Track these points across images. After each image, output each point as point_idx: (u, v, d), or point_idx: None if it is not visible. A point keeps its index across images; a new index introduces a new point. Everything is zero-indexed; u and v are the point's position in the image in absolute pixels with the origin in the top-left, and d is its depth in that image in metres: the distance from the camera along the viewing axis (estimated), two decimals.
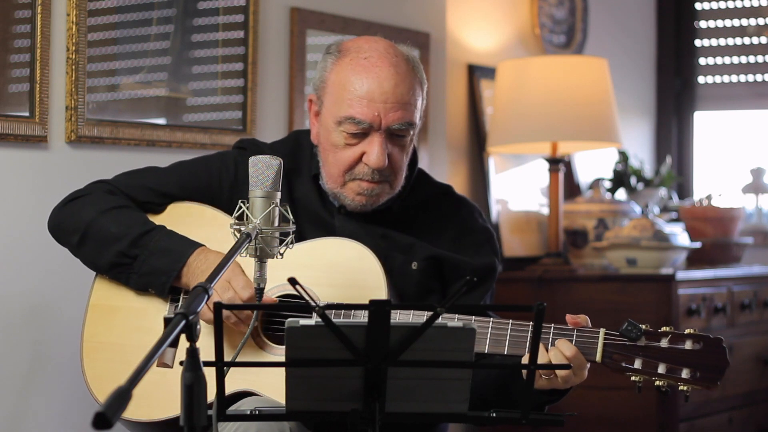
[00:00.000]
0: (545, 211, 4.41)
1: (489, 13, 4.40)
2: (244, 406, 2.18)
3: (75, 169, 2.95)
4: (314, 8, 3.61)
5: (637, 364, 2.12)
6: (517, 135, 4.04)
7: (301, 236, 2.35)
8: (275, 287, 2.29)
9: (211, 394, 1.75)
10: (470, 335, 1.74)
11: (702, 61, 5.27)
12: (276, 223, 2.13)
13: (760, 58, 5.15)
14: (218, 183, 2.48)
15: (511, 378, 2.26)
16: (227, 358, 1.82)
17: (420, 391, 1.78)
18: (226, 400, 1.82)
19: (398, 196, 2.43)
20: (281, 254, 2.14)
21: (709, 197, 4.61)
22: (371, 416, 1.76)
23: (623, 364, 2.13)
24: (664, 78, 5.31)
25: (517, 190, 4.42)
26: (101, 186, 2.47)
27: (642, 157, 5.10)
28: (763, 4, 5.16)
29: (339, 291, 2.28)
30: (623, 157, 4.80)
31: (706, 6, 5.27)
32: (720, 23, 5.24)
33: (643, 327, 2.13)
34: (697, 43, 5.28)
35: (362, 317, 2.16)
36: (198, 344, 1.66)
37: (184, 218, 2.43)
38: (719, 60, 5.25)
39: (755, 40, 5.16)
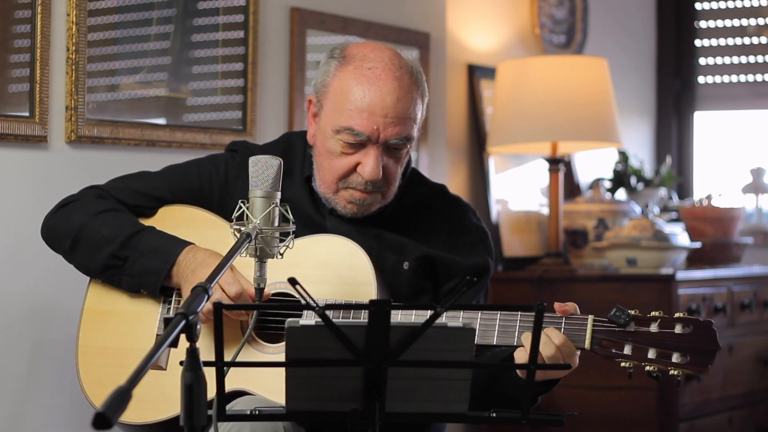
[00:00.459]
0: (545, 211, 4.41)
1: (489, 13, 4.40)
2: (238, 405, 2.18)
3: (75, 169, 2.95)
4: (314, 8, 3.61)
5: (627, 349, 2.11)
6: (517, 135, 4.04)
7: None
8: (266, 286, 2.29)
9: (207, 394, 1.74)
10: (470, 335, 1.74)
11: (702, 61, 5.27)
12: (276, 223, 2.13)
13: (760, 58, 5.15)
14: (209, 186, 2.49)
15: (501, 371, 2.26)
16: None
17: (420, 391, 1.78)
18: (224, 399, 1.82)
19: (392, 197, 2.43)
20: (281, 254, 2.14)
21: (709, 197, 4.61)
22: (371, 416, 1.76)
23: (613, 351, 2.12)
24: (664, 78, 5.31)
25: (517, 190, 4.42)
26: (92, 191, 2.49)
27: (642, 157, 5.10)
28: (763, 4, 5.16)
29: (330, 288, 2.28)
30: (623, 157, 4.80)
31: (706, 6, 5.27)
32: (720, 23, 5.24)
33: (632, 312, 2.12)
34: (697, 43, 5.28)
35: (362, 316, 2.16)
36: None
37: (175, 221, 2.45)
38: (719, 60, 5.25)
39: (755, 40, 5.16)
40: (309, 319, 1.76)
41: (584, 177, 4.77)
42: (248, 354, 2.27)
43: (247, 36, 3.40)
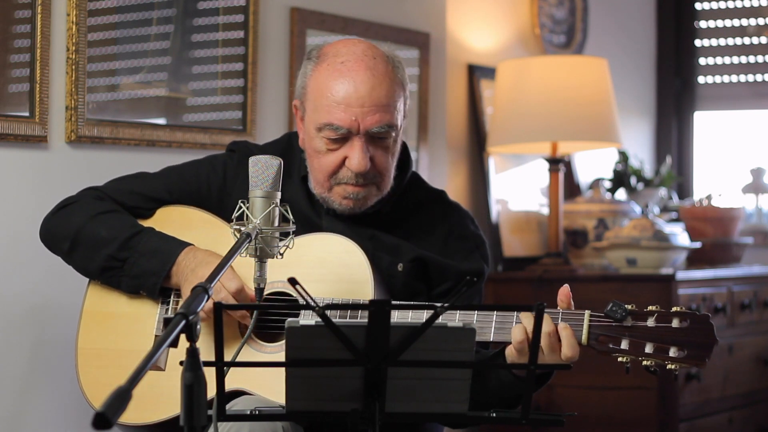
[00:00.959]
0: (545, 211, 4.41)
1: (489, 13, 4.40)
2: (237, 405, 2.18)
3: (75, 169, 2.96)
4: (314, 8, 3.61)
5: (624, 344, 2.10)
6: (517, 135, 4.04)
7: None
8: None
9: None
10: (470, 335, 1.74)
11: (702, 61, 5.27)
12: (276, 223, 2.13)
13: (760, 58, 5.15)
14: (207, 186, 2.49)
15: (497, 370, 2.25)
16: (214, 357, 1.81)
17: (420, 391, 1.78)
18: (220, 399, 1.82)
19: (389, 198, 2.43)
20: (281, 254, 2.14)
21: (709, 197, 4.61)
22: (371, 416, 1.76)
23: (610, 345, 2.11)
24: (664, 78, 5.31)
25: (517, 190, 4.42)
26: (90, 193, 2.49)
27: (642, 157, 5.10)
28: (763, 4, 5.16)
29: (328, 286, 2.28)
30: (623, 157, 4.80)
31: (706, 6, 5.27)
32: (720, 23, 5.24)
33: (629, 307, 2.12)
34: (697, 43, 5.28)
35: (359, 316, 2.16)
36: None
37: (173, 222, 2.45)
38: (719, 60, 5.25)
39: (755, 40, 5.16)
40: (309, 318, 1.76)
41: (584, 177, 4.78)
42: (246, 353, 2.27)
43: (247, 36, 3.40)
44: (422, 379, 1.77)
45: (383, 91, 2.33)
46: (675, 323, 2.10)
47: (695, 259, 4.48)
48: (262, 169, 2.14)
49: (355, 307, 1.98)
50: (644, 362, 2.10)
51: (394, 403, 1.77)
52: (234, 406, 2.18)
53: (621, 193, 4.78)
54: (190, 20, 3.26)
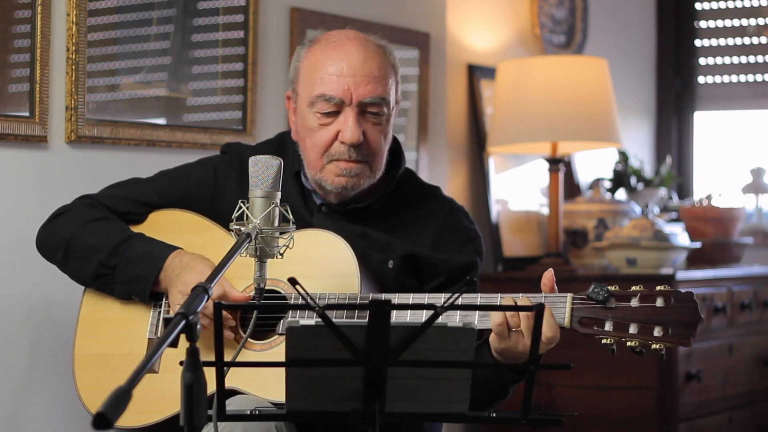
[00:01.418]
0: (545, 211, 4.41)
1: (489, 13, 4.40)
2: (231, 405, 2.18)
3: (75, 169, 2.95)
4: (314, 8, 3.61)
5: (608, 326, 2.08)
6: (517, 135, 4.04)
7: None
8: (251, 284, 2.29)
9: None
10: (470, 335, 1.74)
11: (702, 61, 5.27)
12: (276, 223, 2.13)
13: (760, 58, 5.15)
14: (198, 189, 2.50)
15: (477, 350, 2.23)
16: (211, 357, 1.81)
17: (420, 391, 1.78)
18: (209, 399, 1.81)
19: (380, 192, 2.44)
20: (281, 254, 2.14)
21: (709, 197, 4.61)
22: (371, 416, 1.76)
23: (594, 328, 2.09)
24: (664, 78, 5.31)
25: (517, 190, 4.42)
26: (83, 201, 2.52)
27: (642, 157, 5.10)
28: (763, 4, 5.16)
29: (316, 282, 2.28)
30: (623, 157, 4.80)
31: (706, 6, 5.27)
32: (720, 23, 5.24)
33: (611, 288, 2.10)
34: (697, 43, 5.28)
35: (356, 316, 2.16)
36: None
37: (165, 225, 2.46)
38: (719, 60, 5.25)
39: (755, 40, 5.16)
40: (308, 318, 1.76)
41: (584, 177, 4.77)
42: (233, 352, 2.27)
43: (247, 36, 3.40)
44: (422, 379, 1.77)
45: (375, 64, 2.36)
46: (659, 302, 2.07)
47: (695, 259, 4.48)
48: (262, 169, 2.14)
49: (355, 307, 1.98)
50: (629, 343, 2.08)
51: (394, 403, 1.77)
52: (228, 406, 2.18)
53: (621, 193, 4.78)
54: (190, 20, 3.26)
